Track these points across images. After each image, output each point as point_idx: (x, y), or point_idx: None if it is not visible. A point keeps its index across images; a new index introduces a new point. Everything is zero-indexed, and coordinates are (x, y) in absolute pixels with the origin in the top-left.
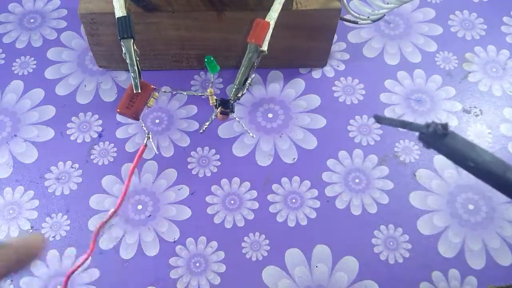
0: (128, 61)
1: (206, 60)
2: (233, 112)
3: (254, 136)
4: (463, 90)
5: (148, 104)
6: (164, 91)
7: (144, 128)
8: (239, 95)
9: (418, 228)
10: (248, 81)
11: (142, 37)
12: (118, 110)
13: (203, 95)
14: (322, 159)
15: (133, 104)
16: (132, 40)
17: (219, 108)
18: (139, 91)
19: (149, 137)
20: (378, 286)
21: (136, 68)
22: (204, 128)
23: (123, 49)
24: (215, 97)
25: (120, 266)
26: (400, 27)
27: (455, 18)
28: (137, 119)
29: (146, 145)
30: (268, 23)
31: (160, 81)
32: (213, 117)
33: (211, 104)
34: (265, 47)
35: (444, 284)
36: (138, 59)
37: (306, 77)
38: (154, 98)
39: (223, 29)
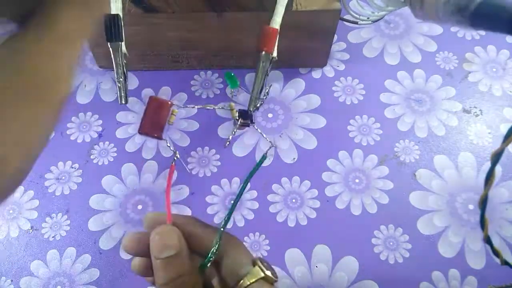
0: (114, 67)
1: (226, 75)
2: (253, 122)
3: (275, 145)
4: (463, 90)
5: (169, 122)
6: (184, 107)
7: (172, 148)
8: (258, 105)
9: (418, 228)
10: (266, 91)
11: (142, 38)
12: (140, 131)
13: (224, 108)
14: (322, 159)
15: (154, 123)
16: (121, 43)
17: (240, 120)
18: (126, 103)
19: (177, 157)
20: (378, 286)
21: (122, 77)
22: (228, 142)
23: (111, 51)
24: (236, 109)
25: (120, 266)
26: (400, 27)
27: None
28: (160, 137)
29: (174, 164)
30: (277, 30)
31: (160, 81)
32: (235, 130)
33: (232, 118)
34: (275, 53)
35: (444, 284)
36: (126, 62)
37: (306, 77)
38: (174, 114)
39: (223, 30)
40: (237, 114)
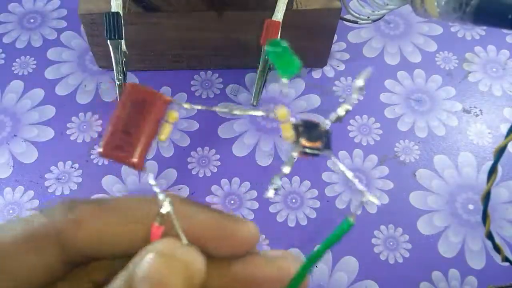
0: (113, 65)
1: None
2: (330, 148)
3: (378, 202)
4: (463, 90)
5: (160, 136)
6: (194, 107)
7: (156, 188)
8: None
9: (418, 228)
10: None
11: (142, 37)
12: (100, 151)
13: (269, 115)
14: (322, 159)
15: (130, 138)
16: (120, 41)
17: (303, 140)
18: None
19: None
20: (378, 286)
21: (121, 75)
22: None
23: (110, 49)
24: (292, 120)
25: None
26: (400, 27)
27: None
28: (139, 167)
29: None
30: (279, 22)
31: (160, 81)
32: (294, 158)
33: (284, 138)
34: None
35: (444, 284)
36: (125, 60)
37: (306, 77)
38: (170, 122)
39: (224, 29)
40: (296, 131)
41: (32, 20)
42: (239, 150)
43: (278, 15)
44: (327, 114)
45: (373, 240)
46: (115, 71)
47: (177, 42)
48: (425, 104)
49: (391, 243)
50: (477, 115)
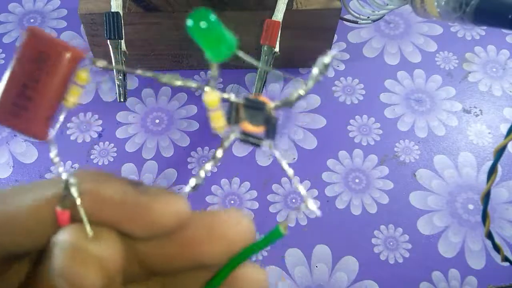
0: (113, 64)
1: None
2: (273, 137)
3: (318, 213)
4: (463, 90)
5: (68, 101)
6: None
7: (59, 167)
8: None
9: (418, 228)
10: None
11: (142, 37)
12: None
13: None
14: (322, 159)
15: (28, 102)
16: (120, 41)
17: (244, 123)
18: (125, 101)
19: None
20: (378, 286)
21: (121, 75)
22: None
23: (110, 49)
24: (232, 98)
25: None
26: (400, 27)
27: None
28: (40, 137)
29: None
30: (279, 22)
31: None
32: (230, 141)
33: (213, 129)
34: (277, 48)
35: (444, 284)
36: (125, 60)
37: (306, 77)
38: (80, 84)
39: None
40: (233, 112)
41: (32, 20)
42: (239, 150)
43: (278, 15)
44: (327, 114)
45: (373, 240)
46: (114, 71)
47: (177, 42)
48: (425, 104)
49: (391, 243)
50: (477, 115)
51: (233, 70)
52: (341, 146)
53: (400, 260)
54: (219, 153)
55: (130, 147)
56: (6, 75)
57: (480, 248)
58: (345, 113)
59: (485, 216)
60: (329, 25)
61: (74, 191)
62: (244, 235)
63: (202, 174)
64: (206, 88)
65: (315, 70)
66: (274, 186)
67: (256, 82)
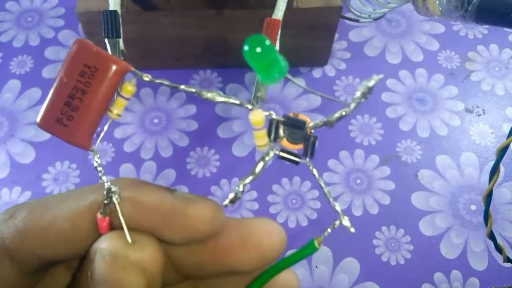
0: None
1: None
2: (311, 156)
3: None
4: (466, 89)
5: (112, 112)
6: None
7: (102, 175)
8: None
9: (420, 229)
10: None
11: (141, 36)
12: (40, 124)
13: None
14: (323, 159)
15: (73, 111)
16: (118, 40)
17: (282, 141)
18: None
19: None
20: None
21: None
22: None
23: (108, 47)
24: (272, 115)
25: None
26: (402, 25)
27: None
28: (84, 147)
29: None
30: (279, 21)
31: None
32: (268, 159)
33: (257, 147)
34: (277, 47)
35: (446, 286)
36: (123, 59)
37: (307, 76)
38: (125, 97)
39: (223, 28)
40: (274, 130)
41: (29, 19)
42: (238, 150)
43: (278, 13)
44: (328, 114)
45: (375, 241)
46: None
47: (175, 40)
48: (427, 104)
49: (393, 244)
50: (479, 115)
51: (232, 69)
52: (342, 146)
53: (402, 262)
54: (259, 168)
55: (128, 147)
56: (54, 85)
57: (482, 249)
58: None
59: (487, 217)
60: (330, 24)
61: (116, 198)
62: (276, 244)
63: (241, 188)
64: (249, 106)
65: (358, 93)
66: (274, 187)
67: (255, 81)
